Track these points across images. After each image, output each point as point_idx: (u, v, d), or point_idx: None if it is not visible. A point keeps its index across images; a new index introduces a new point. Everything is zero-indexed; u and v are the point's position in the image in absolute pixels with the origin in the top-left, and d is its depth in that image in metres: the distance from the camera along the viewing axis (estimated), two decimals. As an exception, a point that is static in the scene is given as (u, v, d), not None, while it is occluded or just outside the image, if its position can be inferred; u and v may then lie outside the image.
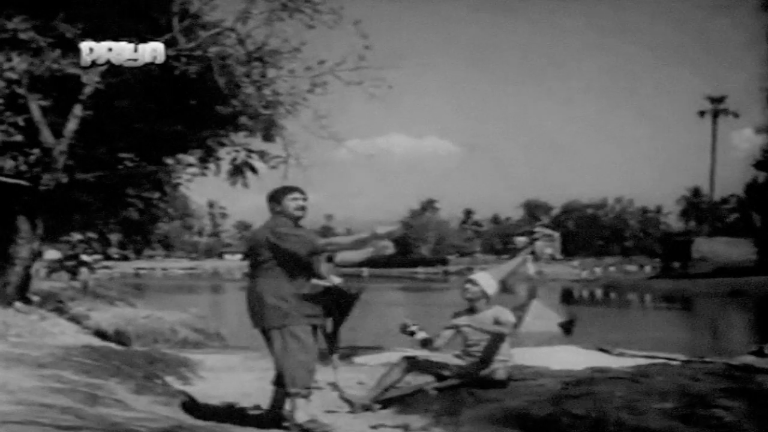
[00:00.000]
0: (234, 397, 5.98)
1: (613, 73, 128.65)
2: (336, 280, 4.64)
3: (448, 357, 5.52)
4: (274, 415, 4.75)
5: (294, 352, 4.41)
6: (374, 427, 4.80)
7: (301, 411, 4.44)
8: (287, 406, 4.59)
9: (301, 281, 4.52)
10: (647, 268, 59.54)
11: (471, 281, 5.54)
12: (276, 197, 4.67)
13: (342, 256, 4.81)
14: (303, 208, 4.64)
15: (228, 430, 4.51)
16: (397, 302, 33.29)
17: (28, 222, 10.11)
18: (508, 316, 5.48)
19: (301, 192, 4.70)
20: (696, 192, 74.57)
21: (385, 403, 5.33)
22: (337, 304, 4.70)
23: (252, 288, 4.58)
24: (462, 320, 5.51)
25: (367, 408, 5.26)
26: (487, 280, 5.58)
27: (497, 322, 5.39)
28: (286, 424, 4.56)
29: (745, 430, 3.93)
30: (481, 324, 5.39)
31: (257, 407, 5.51)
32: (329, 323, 4.78)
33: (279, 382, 4.73)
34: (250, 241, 4.78)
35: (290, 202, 4.62)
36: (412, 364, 5.48)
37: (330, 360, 4.93)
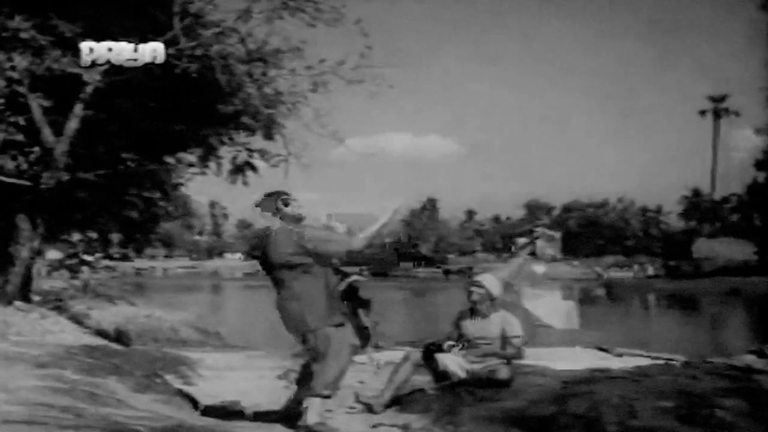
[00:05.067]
0: (234, 395, 5.99)
1: (613, 72, 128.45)
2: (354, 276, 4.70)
3: (452, 356, 5.50)
4: (296, 413, 4.74)
5: (330, 355, 4.40)
6: (374, 427, 4.80)
7: (314, 413, 4.42)
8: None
9: (333, 282, 4.56)
10: (648, 268, 59.38)
11: (476, 283, 5.52)
12: (271, 204, 4.67)
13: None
14: (300, 207, 4.69)
15: (228, 429, 4.51)
16: (397, 301, 33.26)
17: (28, 221, 10.10)
18: (516, 327, 5.45)
19: (289, 193, 4.72)
20: (697, 192, 74.38)
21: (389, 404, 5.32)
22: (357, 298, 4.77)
23: (286, 293, 4.52)
24: (469, 326, 5.50)
25: (387, 406, 5.25)
26: (491, 281, 5.56)
27: (504, 333, 5.40)
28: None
29: (745, 429, 3.93)
30: (486, 332, 5.41)
31: (257, 406, 5.51)
32: (362, 314, 4.80)
33: (302, 381, 4.74)
34: (269, 248, 4.61)
35: (285, 206, 4.64)
36: (422, 359, 5.45)
37: (364, 352, 4.98)
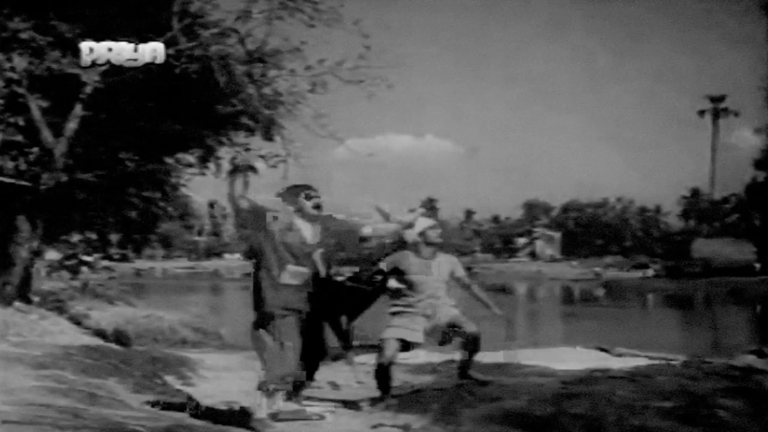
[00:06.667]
0: (233, 396, 5.99)
1: (612, 72, 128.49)
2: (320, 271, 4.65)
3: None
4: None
5: (271, 346, 4.39)
6: (374, 427, 4.79)
7: (263, 409, 4.39)
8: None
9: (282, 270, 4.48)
10: (649, 270, 59.29)
11: (432, 227, 5.40)
12: (294, 196, 4.63)
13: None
14: (319, 206, 4.62)
15: (227, 430, 4.51)
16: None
17: (27, 222, 10.10)
18: (461, 268, 5.47)
19: (315, 189, 4.67)
20: (696, 192, 74.45)
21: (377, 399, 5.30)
22: (351, 299, 4.79)
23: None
24: (413, 266, 5.30)
25: (374, 403, 5.25)
26: (424, 220, 5.44)
27: (454, 274, 5.40)
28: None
29: (745, 429, 3.93)
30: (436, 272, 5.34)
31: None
32: (344, 320, 4.87)
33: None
34: (287, 236, 4.59)
35: (306, 201, 4.59)
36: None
37: (345, 357, 4.99)
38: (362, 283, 5.07)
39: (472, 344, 5.24)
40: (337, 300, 4.76)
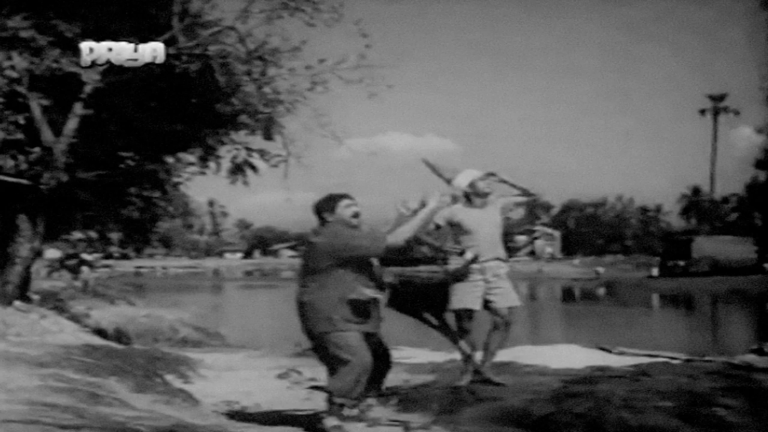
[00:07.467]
0: (234, 395, 5.99)
1: (613, 71, 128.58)
2: (368, 292, 4.43)
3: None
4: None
5: (341, 360, 4.27)
6: (372, 426, 4.78)
7: (333, 417, 4.28)
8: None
9: (357, 286, 4.38)
10: (653, 270, 59.07)
11: (483, 178, 5.43)
12: (327, 206, 4.50)
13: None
14: (357, 215, 4.50)
15: (229, 430, 4.51)
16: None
17: (28, 221, 10.10)
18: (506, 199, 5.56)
19: (352, 198, 4.55)
20: (696, 191, 74.36)
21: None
22: (428, 297, 5.06)
23: (304, 294, 4.43)
24: (464, 215, 5.36)
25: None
26: (470, 171, 5.52)
27: (508, 209, 5.56)
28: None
29: (746, 428, 3.93)
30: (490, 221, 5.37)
31: (257, 406, 5.52)
32: (431, 318, 5.16)
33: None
34: (304, 249, 4.54)
35: (345, 210, 4.47)
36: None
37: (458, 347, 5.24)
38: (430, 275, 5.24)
39: (502, 328, 5.20)
40: (417, 299, 4.96)
